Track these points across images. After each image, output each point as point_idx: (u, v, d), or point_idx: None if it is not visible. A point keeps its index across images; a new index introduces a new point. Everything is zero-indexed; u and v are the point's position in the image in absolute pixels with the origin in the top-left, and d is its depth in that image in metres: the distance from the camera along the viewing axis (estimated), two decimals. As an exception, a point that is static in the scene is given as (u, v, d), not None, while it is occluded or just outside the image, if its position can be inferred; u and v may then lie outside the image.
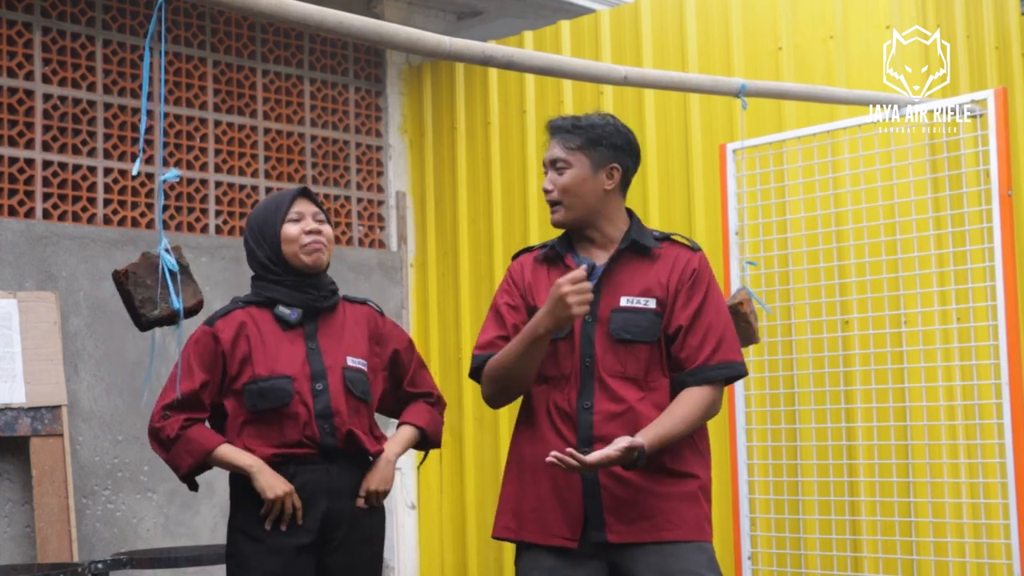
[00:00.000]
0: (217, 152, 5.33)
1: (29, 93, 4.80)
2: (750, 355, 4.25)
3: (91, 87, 4.97)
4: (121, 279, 2.76)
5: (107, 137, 5.00)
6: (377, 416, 3.15)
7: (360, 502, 2.98)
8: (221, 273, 4.89)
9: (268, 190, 5.45)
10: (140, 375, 4.82)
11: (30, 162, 4.77)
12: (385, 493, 3.03)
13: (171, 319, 2.65)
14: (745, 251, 4.27)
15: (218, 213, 5.29)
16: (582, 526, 2.64)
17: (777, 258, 4.31)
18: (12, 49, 4.77)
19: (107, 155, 4.99)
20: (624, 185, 2.78)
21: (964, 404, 3.97)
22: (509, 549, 5.28)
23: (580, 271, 2.57)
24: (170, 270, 2.58)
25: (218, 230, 5.28)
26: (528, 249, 2.91)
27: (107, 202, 4.97)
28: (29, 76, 4.81)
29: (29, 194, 4.76)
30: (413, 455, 5.62)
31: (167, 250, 2.62)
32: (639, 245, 2.72)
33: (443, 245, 5.78)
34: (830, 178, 4.23)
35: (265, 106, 5.51)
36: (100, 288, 4.79)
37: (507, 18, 6.25)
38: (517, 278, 2.81)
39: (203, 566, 4.32)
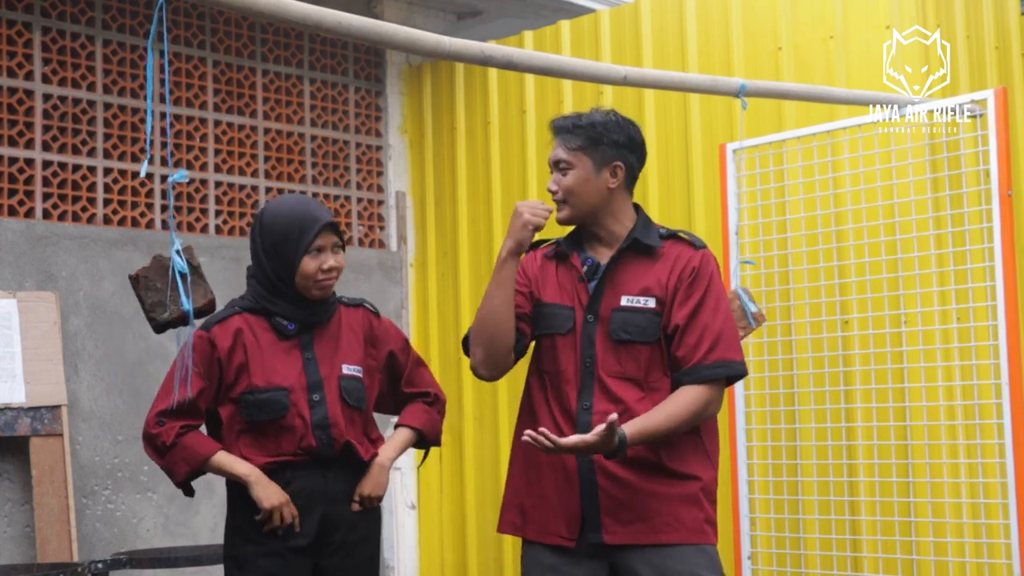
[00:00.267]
0: (217, 152, 5.33)
1: (29, 93, 4.80)
2: (750, 355, 4.25)
3: (91, 87, 4.97)
4: (133, 283, 2.77)
5: (107, 137, 5.00)
6: (376, 415, 3.16)
7: (355, 506, 2.99)
8: (221, 273, 4.89)
9: (268, 190, 5.45)
10: (140, 375, 4.82)
11: (30, 162, 4.77)
12: (379, 498, 3.04)
13: (182, 320, 2.64)
14: (745, 251, 4.27)
15: (218, 213, 5.29)
16: (580, 526, 2.63)
17: (777, 258, 4.31)
18: (12, 49, 4.77)
19: (107, 155, 4.99)
20: (630, 181, 2.78)
21: (964, 404, 3.97)
22: (509, 549, 5.29)
23: (535, 200, 2.71)
24: (180, 272, 2.57)
25: (218, 230, 5.28)
26: (537, 245, 2.91)
27: (107, 202, 4.97)
28: (29, 76, 4.81)
29: (29, 194, 4.76)
30: (413, 455, 5.62)
31: (178, 252, 2.61)
32: (641, 244, 2.71)
33: (443, 245, 5.78)
34: (830, 178, 4.23)
35: (265, 106, 5.51)
36: (100, 288, 4.79)
37: (507, 18, 6.25)
38: (528, 268, 2.83)
39: (203, 566, 4.32)
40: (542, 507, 2.69)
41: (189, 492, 3.01)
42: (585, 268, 2.73)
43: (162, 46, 3.02)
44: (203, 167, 5.27)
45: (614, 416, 2.45)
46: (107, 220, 4.96)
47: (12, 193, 4.72)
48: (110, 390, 4.75)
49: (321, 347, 3.00)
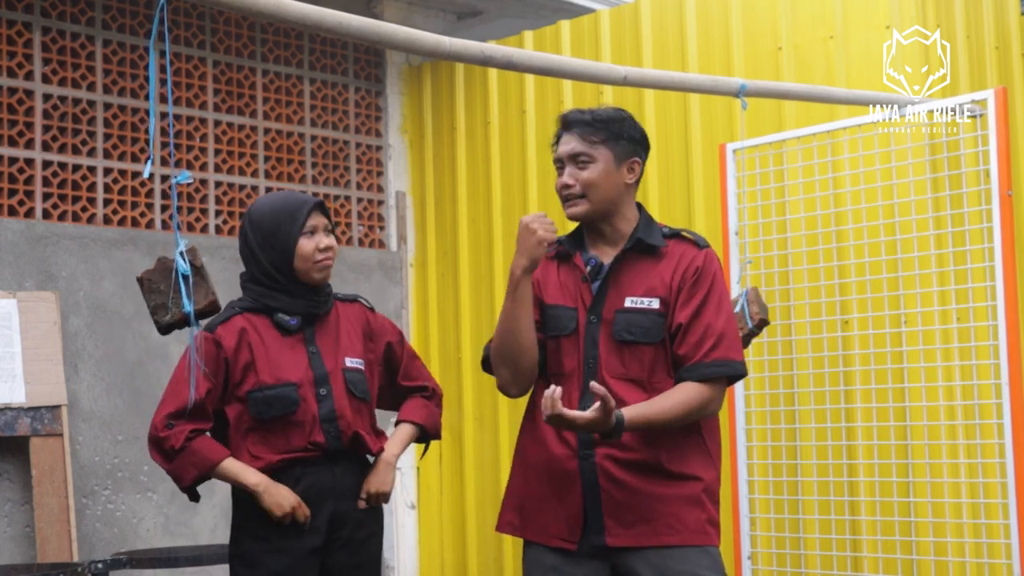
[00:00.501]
0: (217, 152, 5.33)
1: (29, 93, 4.80)
2: (750, 355, 4.25)
3: (91, 87, 4.97)
4: (140, 286, 2.77)
5: (107, 137, 5.00)
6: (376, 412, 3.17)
7: (361, 503, 3.00)
8: (221, 273, 4.88)
9: (268, 190, 5.44)
10: (140, 375, 4.82)
11: (30, 162, 4.77)
12: (386, 495, 3.05)
13: (185, 322, 2.65)
14: (745, 251, 4.27)
15: (218, 213, 5.29)
16: (582, 528, 2.63)
17: (777, 258, 4.31)
18: (12, 49, 4.77)
19: (107, 155, 4.99)
20: (638, 180, 2.78)
21: (964, 404, 3.97)
22: (509, 549, 5.29)
23: (539, 213, 2.64)
24: (182, 274, 2.58)
25: (218, 230, 5.28)
26: None
27: (107, 202, 4.97)
28: (29, 76, 4.81)
29: (29, 194, 4.76)
30: (413, 452, 5.62)
31: (182, 254, 2.61)
32: (645, 244, 2.70)
33: (443, 245, 5.78)
34: (830, 178, 4.23)
35: (265, 106, 5.51)
36: (100, 288, 4.79)
37: (507, 18, 6.25)
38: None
39: (203, 566, 4.32)
40: (543, 508, 2.68)
41: (195, 497, 3.01)
42: (588, 268, 2.71)
43: (162, 46, 3.02)
44: (203, 167, 5.27)
45: (601, 388, 2.43)
46: (107, 220, 4.96)
47: (12, 193, 4.72)
48: (110, 390, 4.75)
49: (323, 341, 3.01)
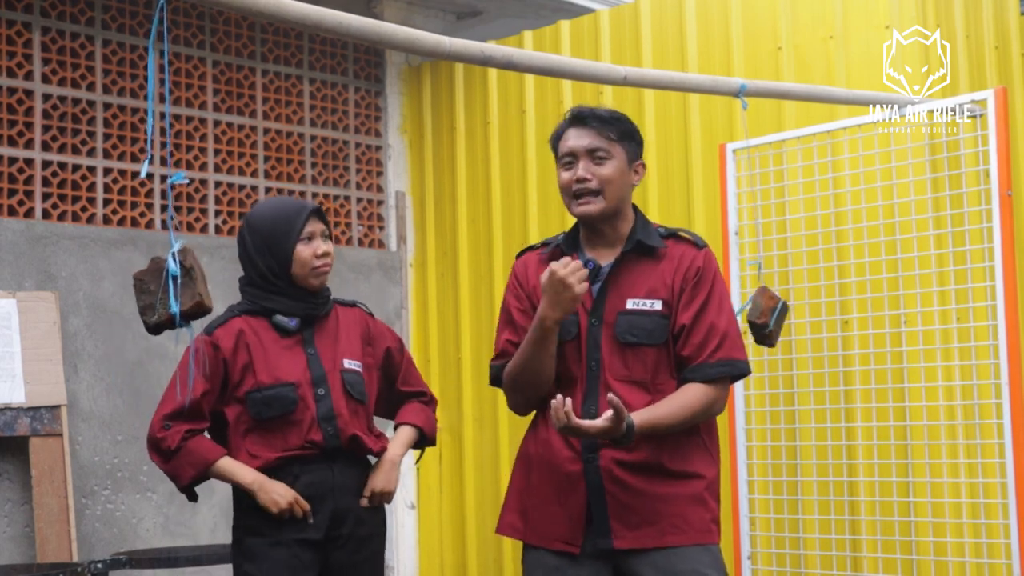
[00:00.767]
0: (217, 152, 5.33)
1: (29, 93, 4.80)
2: (750, 355, 4.24)
3: (91, 87, 4.97)
4: (133, 286, 2.78)
5: (107, 137, 4.99)
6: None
7: (364, 501, 3.00)
8: (221, 273, 4.88)
9: (268, 190, 5.44)
10: (140, 375, 4.82)
11: (30, 162, 4.77)
12: (390, 494, 3.06)
13: (171, 323, 2.65)
14: (745, 251, 4.27)
15: (217, 213, 5.29)
16: (585, 531, 2.62)
17: (777, 258, 4.31)
18: (12, 49, 4.77)
19: (107, 155, 4.99)
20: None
21: (964, 404, 3.97)
22: (509, 549, 5.28)
23: (566, 260, 2.56)
24: (172, 275, 2.58)
25: (217, 230, 5.28)
26: (531, 248, 2.88)
27: (107, 202, 4.97)
28: (29, 76, 4.80)
29: (29, 194, 4.76)
30: (411, 455, 5.62)
31: (174, 254, 2.61)
32: (644, 245, 2.69)
33: (442, 245, 5.78)
34: (830, 178, 4.23)
35: (265, 106, 5.51)
36: (100, 288, 4.78)
37: (507, 18, 6.25)
38: (522, 279, 2.79)
39: (203, 566, 4.32)
40: (545, 512, 2.68)
41: (193, 497, 3.03)
42: (587, 271, 2.70)
43: (162, 46, 3.02)
44: (203, 167, 5.27)
45: (616, 399, 2.43)
46: (107, 220, 4.95)
47: (12, 193, 4.72)
48: (110, 390, 4.75)
49: (322, 343, 3.02)
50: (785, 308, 3.66)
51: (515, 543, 3.05)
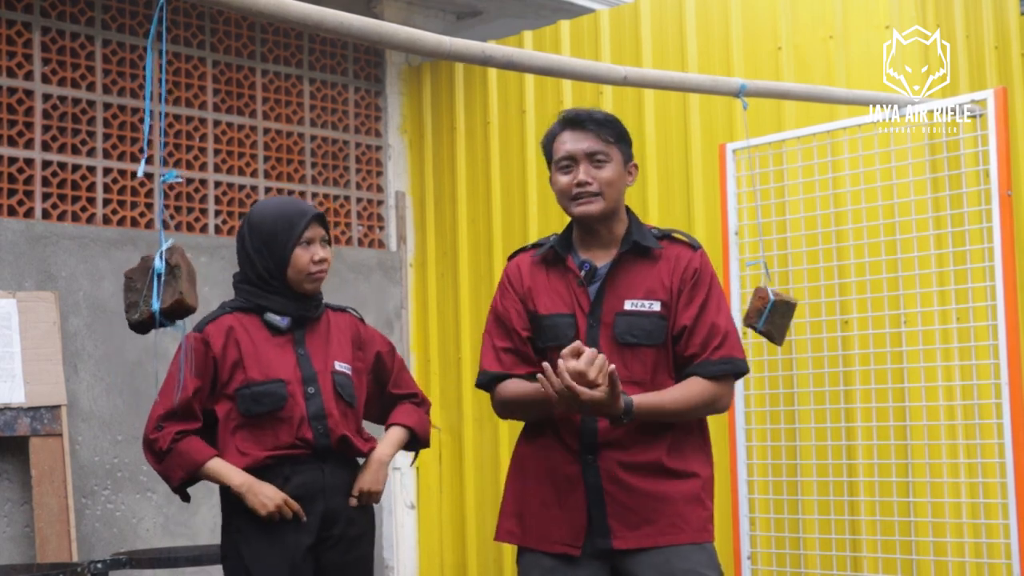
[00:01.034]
0: (217, 152, 5.33)
1: (29, 93, 4.80)
2: (750, 355, 4.25)
3: (91, 87, 4.97)
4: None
5: (107, 137, 4.99)
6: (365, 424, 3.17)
7: (352, 501, 3.00)
8: (220, 273, 4.88)
9: (268, 190, 5.44)
10: (140, 375, 4.82)
11: (30, 162, 4.77)
12: (378, 494, 3.06)
13: (152, 321, 2.64)
14: (745, 251, 4.27)
15: (217, 213, 5.29)
16: (586, 532, 2.63)
17: (777, 258, 4.31)
18: (12, 49, 4.77)
19: (107, 155, 4.99)
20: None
21: (964, 404, 3.97)
22: (509, 550, 5.28)
23: (601, 364, 2.46)
24: (156, 273, 2.57)
25: (217, 230, 5.27)
26: (523, 249, 2.88)
27: (107, 202, 4.97)
28: (29, 76, 4.80)
29: (29, 194, 4.76)
30: (405, 456, 5.62)
31: (162, 252, 2.61)
32: (640, 246, 2.69)
33: (442, 245, 5.78)
34: (830, 178, 4.23)
35: (265, 106, 5.51)
36: (100, 288, 4.78)
37: (507, 18, 6.25)
38: (515, 282, 2.78)
39: (203, 566, 4.32)
40: (544, 516, 2.67)
41: (186, 498, 3.04)
42: (583, 272, 2.70)
43: (162, 46, 3.01)
44: (203, 167, 5.27)
45: (612, 367, 2.43)
46: (107, 220, 4.95)
47: (12, 193, 4.72)
48: (110, 390, 4.75)
49: (313, 344, 3.03)
50: (777, 306, 3.65)
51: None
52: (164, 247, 2.58)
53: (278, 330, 3.00)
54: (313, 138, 5.68)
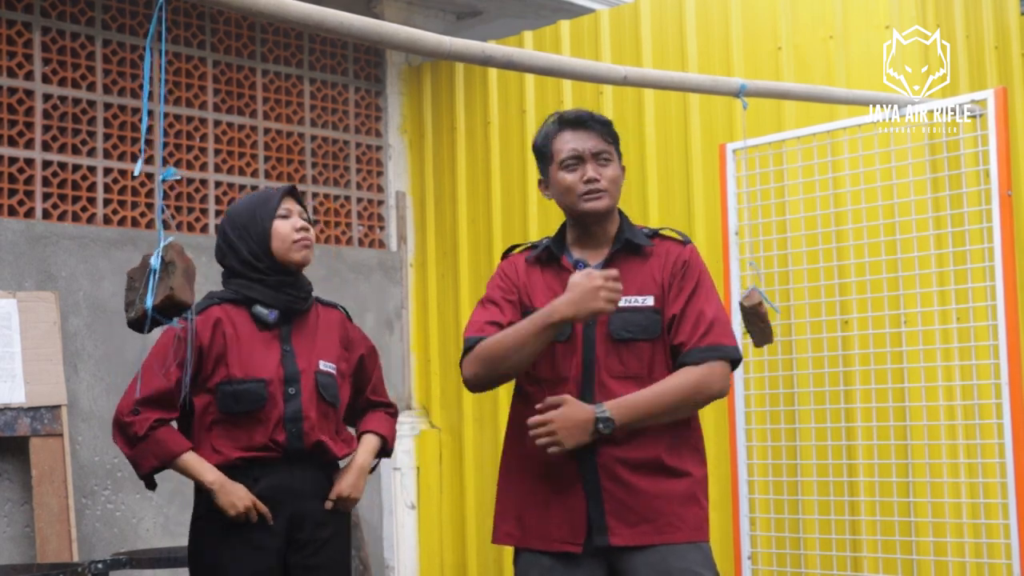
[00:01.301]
0: (217, 152, 5.33)
1: (29, 93, 4.80)
2: (750, 355, 4.25)
3: (91, 87, 4.97)
4: None
5: (107, 137, 5.00)
6: None
7: (328, 504, 3.00)
8: (220, 273, 4.89)
9: (268, 190, 5.45)
10: (140, 375, 4.81)
11: (30, 162, 4.77)
12: (355, 500, 3.06)
13: (146, 318, 2.64)
14: (745, 251, 4.27)
15: (218, 213, 5.28)
16: (586, 530, 2.63)
17: (777, 258, 4.31)
18: (12, 49, 4.77)
19: (107, 155, 4.99)
20: None
21: (964, 404, 3.97)
22: (509, 549, 5.27)
23: (614, 272, 2.56)
24: (152, 270, 2.58)
25: (218, 230, 5.27)
26: (516, 247, 2.91)
27: (107, 202, 4.97)
28: (29, 76, 4.80)
29: (29, 194, 4.76)
30: (413, 453, 5.62)
31: (160, 250, 2.61)
32: (632, 244, 2.73)
33: (443, 245, 5.78)
34: (830, 178, 4.23)
35: (265, 106, 5.51)
36: (100, 288, 4.78)
37: (507, 18, 6.25)
38: (512, 275, 2.80)
39: (203, 566, 4.32)
40: (543, 515, 2.67)
41: (151, 485, 3.01)
42: (577, 271, 2.71)
43: (162, 46, 3.01)
44: (203, 167, 5.27)
45: (550, 401, 2.57)
46: (107, 220, 4.95)
47: (12, 193, 4.72)
48: (110, 390, 4.75)
49: (299, 340, 3.02)
50: (746, 311, 3.60)
51: (516, 543, 3.04)
52: (161, 245, 2.58)
53: (265, 324, 2.99)
54: (313, 138, 5.68)
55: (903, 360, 4.06)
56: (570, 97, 5.21)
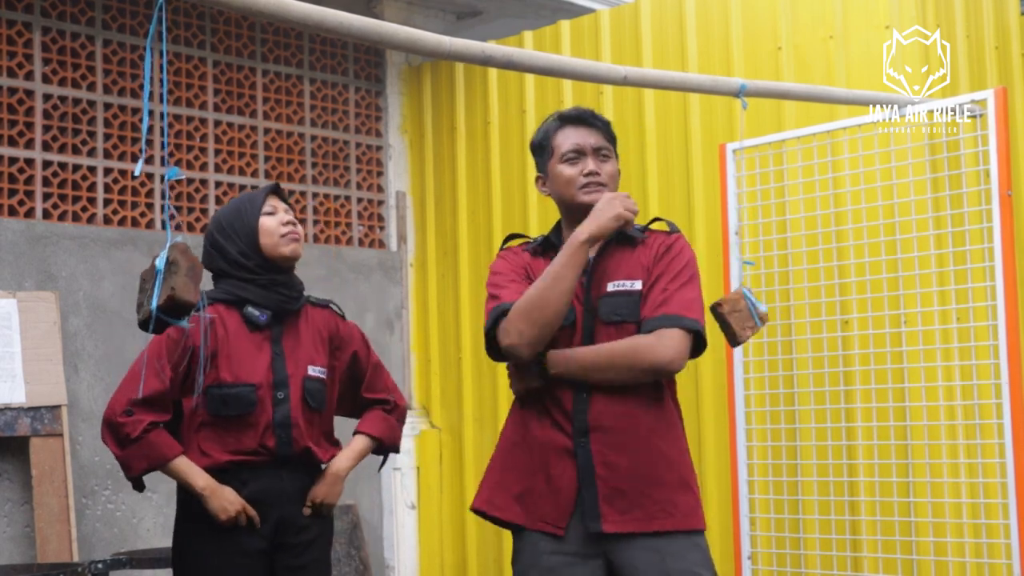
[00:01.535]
0: (217, 152, 5.33)
1: (29, 93, 4.80)
2: (750, 355, 4.25)
3: (91, 87, 4.97)
4: None
5: (107, 137, 5.00)
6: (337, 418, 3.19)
7: (306, 510, 3.01)
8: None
9: (268, 190, 5.44)
10: (140, 375, 4.81)
11: (30, 162, 4.77)
12: (331, 506, 3.07)
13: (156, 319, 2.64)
14: (745, 251, 4.27)
15: (218, 213, 5.29)
16: (573, 515, 2.64)
17: (777, 258, 4.31)
18: (12, 49, 4.77)
19: (107, 155, 4.99)
20: None
21: (964, 404, 3.97)
22: (508, 549, 5.28)
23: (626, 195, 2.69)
24: (157, 271, 2.58)
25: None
26: (513, 237, 2.96)
27: (107, 202, 4.97)
28: (29, 76, 4.81)
29: (29, 194, 4.76)
30: (413, 453, 5.62)
31: (166, 251, 2.61)
32: (626, 236, 2.78)
33: (443, 245, 5.78)
34: (830, 178, 4.23)
35: (265, 106, 5.51)
36: (100, 288, 4.79)
37: (507, 18, 6.25)
38: (514, 259, 2.85)
39: (203, 566, 4.31)
40: (533, 494, 2.70)
41: (140, 487, 3.02)
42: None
43: (162, 46, 3.01)
44: (203, 167, 5.27)
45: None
46: (107, 220, 4.96)
47: (12, 193, 4.72)
48: (110, 390, 4.70)
49: (289, 343, 3.02)
50: (715, 311, 3.57)
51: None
52: (167, 245, 2.58)
53: (256, 326, 2.99)
54: (313, 138, 5.68)
55: (903, 360, 4.06)
56: (570, 97, 5.22)
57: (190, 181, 5.20)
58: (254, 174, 5.43)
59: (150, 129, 4.99)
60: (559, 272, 2.63)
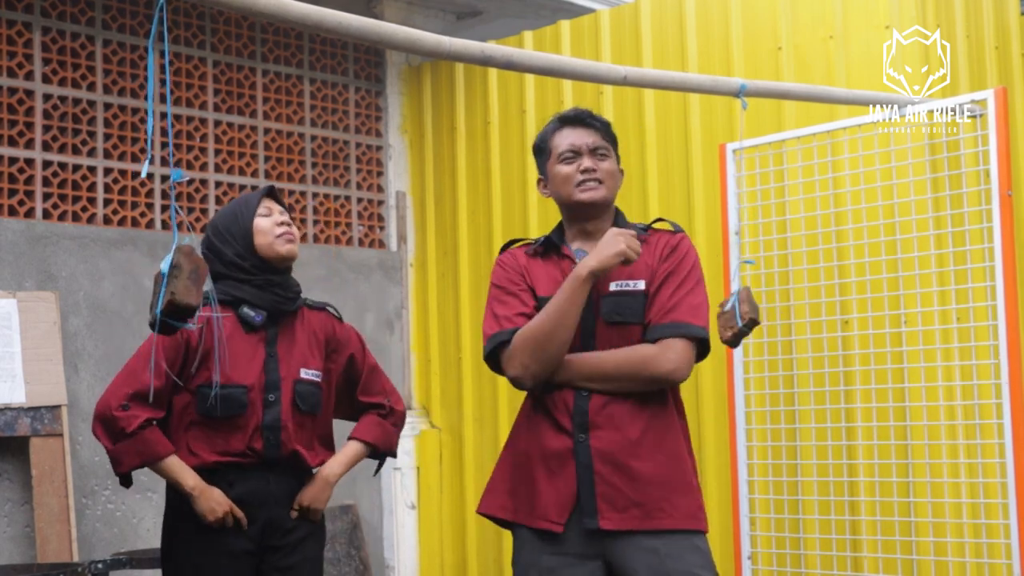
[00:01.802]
0: (217, 152, 5.33)
1: (29, 93, 4.80)
2: (750, 355, 4.25)
3: (91, 87, 4.97)
4: None
5: (107, 137, 5.00)
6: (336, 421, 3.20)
7: (293, 514, 3.02)
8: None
9: (268, 190, 5.45)
10: (140, 375, 4.81)
11: (30, 162, 4.77)
12: (318, 511, 3.07)
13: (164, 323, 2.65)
14: (745, 251, 4.27)
15: (218, 213, 5.29)
16: (572, 512, 2.64)
17: (777, 258, 4.31)
18: (12, 49, 4.77)
19: (107, 155, 4.99)
20: None
21: (964, 404, 3.97)
22: (508, 549, 5.28)
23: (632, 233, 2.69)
24: (162, 274, 2.59)
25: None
26: (514, 242, 2.95)
27: (107, 202, 4.97)
28: (29, 76, 4.81)
29: (29, 194, 4.76)
30: (413, 453, 5.62)
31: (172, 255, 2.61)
32: None
33: (443, 245, 5.78)
34: (830, 178, 4.23)
35: (265, 106, 5.51)
36: (100, 288, 4.79)
37: (507, 18, 6.25)
38: (515, 265, 2.84)
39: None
40: (532, 492, 2.70)
41: (127, 483, 3.02)
42: (580, 260, 2.75)
43: (162, 46, 3.02)
44: (203, 167, 5.27)
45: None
46: (107, 220, 4.96)
47: (12, 193, 4.72)
48: (110, 390, 4.75)
49: (284, 345, 3.03)
50: (754, 323, 3.56)
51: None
52: (172, 248, 2.58)
53: (251, 327, 2.99)
54: (313, 138, 5.68)
55: (903, 360, 4.06)
56: (570, 97, 5.22)
57: (190, 181, 5.21)
58: (254, 174, 5.43)
59: (151, 129, 4.99)
60: (563, 308, 2.64)
